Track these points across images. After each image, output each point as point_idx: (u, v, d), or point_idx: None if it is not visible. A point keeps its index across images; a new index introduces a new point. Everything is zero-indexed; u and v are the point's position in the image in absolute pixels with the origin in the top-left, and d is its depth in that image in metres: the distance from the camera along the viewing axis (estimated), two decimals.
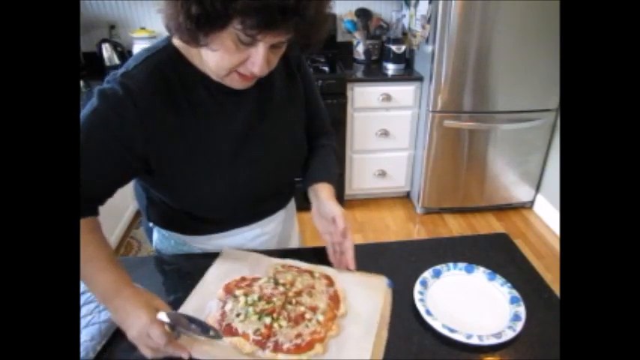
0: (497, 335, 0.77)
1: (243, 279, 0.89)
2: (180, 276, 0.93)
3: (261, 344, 0.75)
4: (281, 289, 0.86)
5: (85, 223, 0.79)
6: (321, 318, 0.78)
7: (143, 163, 0.82)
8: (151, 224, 1.07)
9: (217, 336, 0.74)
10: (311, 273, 0.90)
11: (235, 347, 0.75)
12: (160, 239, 1.07)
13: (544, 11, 2.23)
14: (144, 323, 0.70)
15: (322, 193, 0.95)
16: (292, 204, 1.17)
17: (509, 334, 0.78)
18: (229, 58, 0.71)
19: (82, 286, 0.87)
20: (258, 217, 1.03)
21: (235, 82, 0.78)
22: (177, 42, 0.81)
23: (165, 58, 0.80)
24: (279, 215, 1.08)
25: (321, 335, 0.76)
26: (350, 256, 0.90)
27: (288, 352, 0.73)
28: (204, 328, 0.74)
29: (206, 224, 0.99)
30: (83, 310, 0.82)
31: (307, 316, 0.80)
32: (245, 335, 0.76)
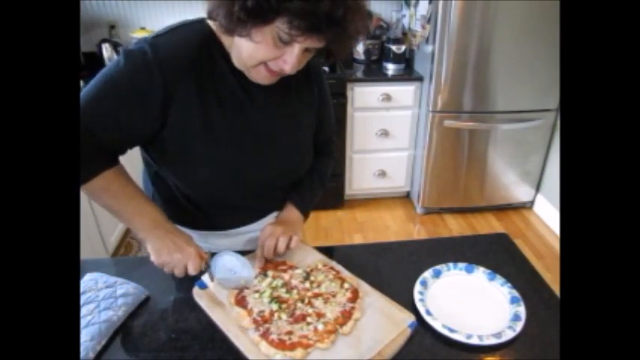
0: (497, 335, 0.77)
1: (283, 262, 0.95)
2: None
3: (257, 325, 0.78)
4: (307, 284, 0.88)
5: (115, 170, 0.86)
6: (320, 327, 0.78)
7: (159, 127, 0.82)
8: None
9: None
10: (343, 282, 0.89)
11: (237, 318, 0.81)
12: None
13: (544, 11, 2.23)
14: (187, 254, 0.83)
15: (282, 213, 1.04)
16: None
17: (509, 334, 0.78)
18: (265, 52, 0.74)
19: (82, 286, 0.87)
20: (257, 215, 1.03)
21: (261, 76, 0.80)
22: (211, 23, 0.82)
23: (200, 32, 0.81)
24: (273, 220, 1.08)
25: (309, 342, 0.75)
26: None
27: (271, 343, 0.75)
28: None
29: (207, 219, 0.99)
30: (83, 310, 0.82)
31: (308, 319, 0.80)
32: (250, 311, 0.81)
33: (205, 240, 1.03)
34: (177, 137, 0.83)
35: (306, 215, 1.06)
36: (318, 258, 0.97)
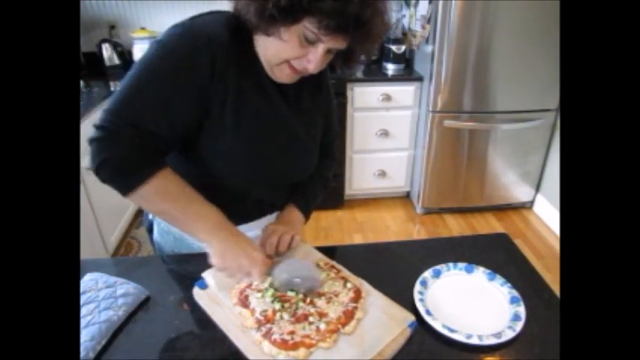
0: (497, 335, 0.77)
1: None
2: (180, 276, 0.94)
3: (260, 325, 0.78)
4: None
5: (166, 172, 0.80)
6: (322, 326, 0.78)
7: (204, 108, 0.79)
8: (151, 216, 1.08)
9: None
10: (345, 281, 0.89)
11: (240, 318, 0.80)
12: (160, 233, 1.07)
13: (544, 11, 2.23)
14: (253, 260, 0.81)
15: (281, 214, 1.03)
16: None
17: (509, 334, 0.78)
18: (290, 51, 0.76)
19: (82, 286, 0.87)
20: (260, 212, 1.04)
21: (284, 74, 0.81)
22: None
23: (235, 20, 0.79)
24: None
25: (312, 342, 0.75)
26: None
27: (274, 343, 0.74)
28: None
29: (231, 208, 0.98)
30: (83, 310, 0.82)
31: (311, 319, 0.80)
32: (252, 311, 0.81)
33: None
34: (213, 120, 0.81)
35: (307, 217, 1.06)
36: (319, 257, 0.98)
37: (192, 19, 0.79)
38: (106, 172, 0.76)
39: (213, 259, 0.82)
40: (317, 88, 0.99)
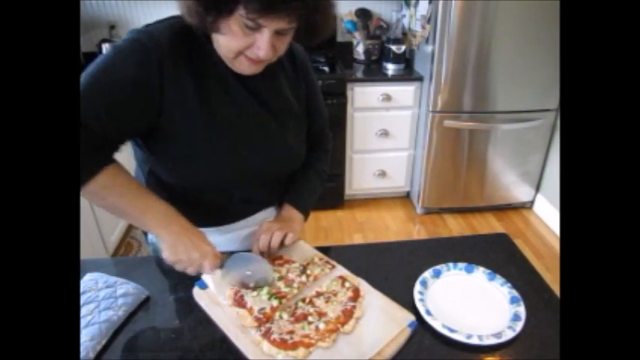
0: (497, 335, 0.77)
1: (280, 257, 0.96)
2: (180, 276, 0.93)
3: (260, 324, 0.78)
4: (303, 278, 0.89)
5: (116, 166, 0.82)
6: (321, 326, 0.78)
7: (155, 113, 0.81)
8: None
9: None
10: (343, 281, 0.89)
11: (239, 318, 0.80)
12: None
13: (544, 11, 2.23)
14: (204, 253, 0.81)
15: (279, 213, 1.03)
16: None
17: (509, 334, 0.78)
18: (237, 42, 0.75)
19: (82, 286, 0.87)
20: (253, 208, 1.04)
21: (244, 66, 0.81)
22: None
23: (185, 27, 0.79)
24: (271, 215, 1.07)
25: (311, 342, 0.75)
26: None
27: (273, 342, 0.75)
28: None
29: (203, 214, 0.97)
30: (83, 310, 0.82)
31: (310, 318, 0.80)
32: (250, 310, 0.81)
33: (213, 238, 1.02)
34: (174, 123, 0.82)
35: (305, 215, 1.06)
36: (314, 253, 0.98)
37: (147, 26, 0.81)
38: None
39: (164, 253, 0.81)
40: (294, 78, 0.97)
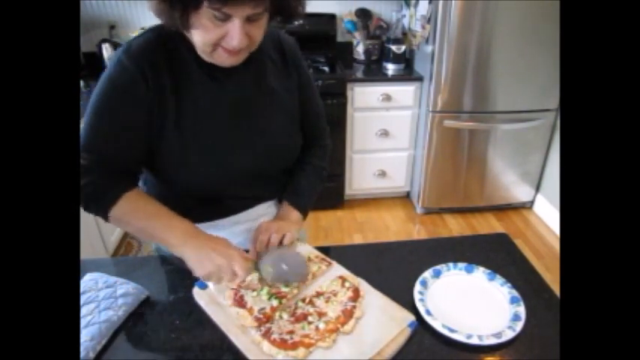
0: (497, 335, 0.77)
1: None
2: (180, 276, 0.93)
3: (260, 324, 0.78)
4: None
5: (136, 192, 0.86)
6: (321, 326, 0.78)
7: (148, 127, 0.85)
8: None
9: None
10: (343, 281, 0.89)
11: (239, 318, 0.80)
12: None
13: (544, 11, 2.23)
14: (230, 257, 0.79)
15: (278, 212, 1.03)
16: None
17: (509, 334, 0.78)
18: (209, 35, 0.76)
19: (82, 286, 0.87)
20: (247, 203, 1.03)
21: (223, 58, 0.81)
22: None
23: (164, 34, 0.83)
24: (269, 211, 1.08)
25: (311, 342, 0.75)
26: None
27: (273, 342, 0.75)
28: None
29: (198, 210, 0.97)
30: (83, 310, 0.82)
31: (310, 318, 0.80)
32: (250, 310, 0.81)
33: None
34: (159, 129, 0.85)
35: (304, 214, 1.05)
36: (309, 250, 0.98)
37: (128, 43, 0.84)
38: (83, 202, 0.84)
39: (194, 271, 0.80)
40: (283, 70, 0.96)
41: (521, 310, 0.83)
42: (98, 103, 0.82)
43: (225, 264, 0.79)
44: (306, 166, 1.07)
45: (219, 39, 0.76)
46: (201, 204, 0.98)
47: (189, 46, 0.83)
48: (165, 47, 0.83)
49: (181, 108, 0.85)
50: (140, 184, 1.01)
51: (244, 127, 0.91)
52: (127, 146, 0.85)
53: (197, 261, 0.80)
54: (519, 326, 0.79)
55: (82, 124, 0.83)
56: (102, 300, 0.84)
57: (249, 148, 0.93)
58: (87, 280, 0.89)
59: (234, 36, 0.75)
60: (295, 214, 1.02)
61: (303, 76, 1.01)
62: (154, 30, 0.84)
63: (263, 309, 0.81)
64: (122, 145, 0.84)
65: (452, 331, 0.78)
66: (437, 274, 0.93)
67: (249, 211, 1.04)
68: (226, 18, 0.73)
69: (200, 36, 0.77)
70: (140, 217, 0.84)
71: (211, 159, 0.90)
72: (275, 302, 0.82)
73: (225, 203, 1.01)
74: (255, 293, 0.85)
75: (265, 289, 0.85)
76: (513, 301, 0.85)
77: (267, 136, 0.95)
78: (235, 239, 1.03)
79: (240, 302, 0.83)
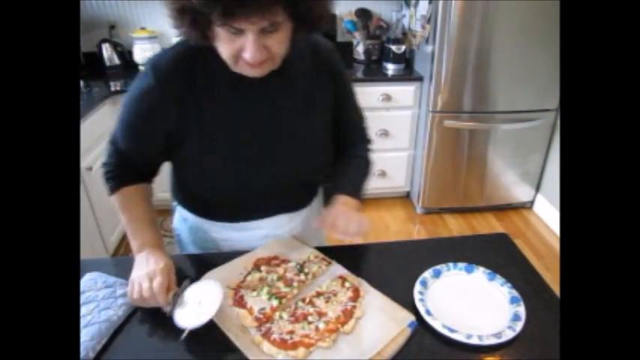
0: (497, 335, 0.77)
1: (275, 257, 0.95)
2: (180, 276, 0.93)
3: (260, 323, 0.78)
4: (302, 277, 0.89)
5: (135, 189, 0.94)
6: (321, 326, 0.78)
7: (167, 134, 0.89)
8: (175, 203, 1.11)
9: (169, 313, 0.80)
10: (344, 281, 0.89)
11: (239, 318, 0.80)
12: (179, 220, 1.12)
13: (544, 11, 2.23)
14: (158, 267, 0.82)
15: (337, 200, 0.97)
16: (314, 209, 1.14)
17: (509, 334, 0.78)
18: (228, 48, 0.76)
19: (82, 286, 0.87)
20: (264, 214, 1.03)
21: (246, 70, 0.80)
22: None
23: (195, 47, 0.83)
24: (292, 223, 1.07)
25: (311, 342, 0.75)
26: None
27: (273, 342, 0.75)
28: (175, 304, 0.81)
29: (217, 210, 1.01)
30: (82, 310, 0.82)
31: (310, 318, 0.80)
32: (250, 310, 0.81)
33: (219, 230, 1.04)
34: (180, 139, 0.88)
35: (358, 199, 0.99)
36: (310, 251, 0.98)
37: (157, 54, 0.88)
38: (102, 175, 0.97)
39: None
40: (316, 83, 0.93)
41: (521, 310, 0.83)
42: (126, 105, 0.89)
43: (147, 288, 0.80)
44: (354, 158, 1.05)
45: (238, 52, 0.76)
46: (222, 206, 1.00)
47: (219, 58, 0.82)
48: (193, 60, 0.85)
49: (204, 120, 0.86)
50: (172, 176, 1.05)
51: (269, 140, 0.91)
52: (142, 149, 0.93)
53: (136, 266, 0.85)
54: (519, 326, 0.79)
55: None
56: (101, 300, 0.84)
57: (273, 162, 0.92)
58: (86, 280, 0.89)
59: (249, 49, 0.74)
60: (353, 202, 0.97)
61: (340, 84, 0.98)
62: (184, 43, 0.85)
63: (263, 309, 0.81)
64: (138, 147, 0.92)
65: (452, 331, 0.78)
66: (437, 274, 0.93)
67: (271, 218, 1.03)
68: (239, 32, 0.73)
69: (222, 49, 0.77)
70: (124, 214, 0.93)
71: (232, 171, 0.91)
72: (275, 302, 0.82)
73: (247, 208, 1.01)
74: (255, 293, 0.85)
75: (265, 289, 0.85)
76: (513, 301, 0.85)
77: (293, 150, 0.93)
78: (254, 243, 1.03)
79: (240, 302, 0.83)
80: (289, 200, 1.04)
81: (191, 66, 0.85)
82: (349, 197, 0.97)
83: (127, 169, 0.95)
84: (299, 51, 0.88)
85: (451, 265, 0.94)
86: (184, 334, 0.75)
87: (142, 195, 0.95)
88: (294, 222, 1.06)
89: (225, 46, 0.76)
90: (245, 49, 0.74)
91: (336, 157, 1.05)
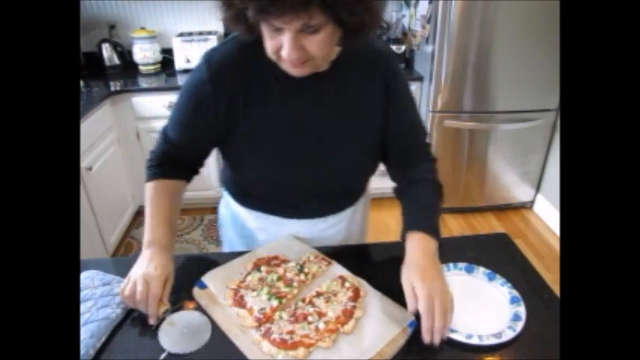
0: (497, 335, 0.77)
1: (275, 257, 0.95)
2: (180, 276, 0.93)
3: (260, 323, 0.79)
4: (302, 277, 0.89)
5: (165, 183, 0.94)
6: (321, 326, 0.78)
7: (217, 128, 0.90)
8: (222, 188, 1.15)
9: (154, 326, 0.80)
10: (343, 281, 0.89)
11: (239, 318, 0.80)
12: (224, 205, 1.16)
13: (544, 11, 2.23)
14: (156, 274, 0.81)
15: (410, 248, 0.85)
16: (359, 216, 1.13)
17: (509, 334, 0.78)
18: (269, 45, 0.77)
19: (81, 284, 0.87)
20: (300, 214, 1.03)
21: (288, 68, 0.80)
22: None
23: (249, 43, 0.84)
24: (332, 230, 1.07)
25: (311, 342, 0.75)
26: (432, 338, 0.76)
27: (273, 342, 0.75)
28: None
29: (254, 200, 1.04)
30: (81, 308, 0.82)
31: (310, 318, 0.80)
32: (250, 310, 0.81)
33: (258, 221, 1.06)
34: (226, 134, 0.90)
35: (437, 235, 0.88)
36: (310, 251, 0.98)
37: (211, 49, 0.89)
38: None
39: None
40: (367, 83, 0.90)
41: (522, 310, 0.83)
42: (179, 98, 0.92)
43: (138, 276, 0.80)
44: (420, 183, 0.96)
45: (278, 49, 0.76)
46: (259, 198, 1.03)
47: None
48: (246, 55, 0.86)
49: (250, 114, 0.87)
50: (222, 162, 1.06)
51: (313, 139, 0.90)
52: (190, 140, 0.94)
53: (128, 276, 0.83)
54: (519, 326, 0.79)
55: None
56: (99, 297, 0.84)
57: (314, 161, 0.92)
58: (83, 278, 0.89)
59: (285, 48, 0.74)
60: (431, 243, 0.86)
61: (394, 92, 0.92)
62: (239, 37, 0.85)
63: (263, 309, 0.81)
64: (186, 137, 0.93)
65: (452, 331, 0.78)
66: None
67: (306, 220, 1.04)
68: (277, 29, 0.73)
69: (266, 44, 0.78)
70: (147, 206, 0.92)
71: (272, 167, 0.91)
72: (275, 302, 0.82)
73: (283, 205, 1.02)
74: (255, 293, 0.85)
75: (265, 289, 0.85)
76: (513, 301, 0.85)
77: (335, 151, 0.92)
78: (283, 238, 1.05)
79: (240, 302, 0.83)
80: (328, 203, 1.03)
81: (243, 61, 0.86)
82: (420, 234, 0.86)
83: (172, 159, 0.95)
84: (354, 54, 0.87)
85: (451, 265, 0.95)
86: (163, 355, 0.75)
87: (170, 191, 0.95)
88: (333, 232, 1.07)
89: (267, 42, 0.77)
90: (283, 47, 0.74)
91: (395, 178, 1.02)
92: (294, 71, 0.80)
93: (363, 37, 0.81)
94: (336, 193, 1.02)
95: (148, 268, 0.83)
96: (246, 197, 1.05)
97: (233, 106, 0.87)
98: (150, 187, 0.94)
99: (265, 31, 0.75)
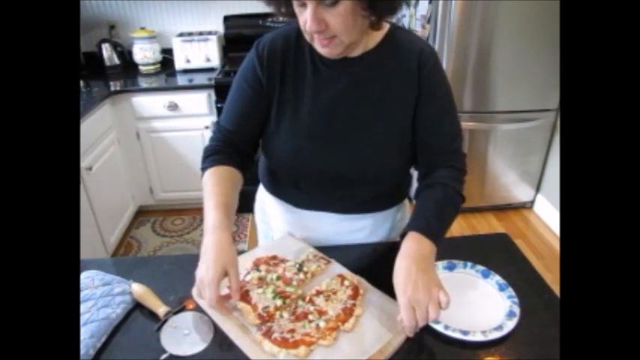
0: (498, 335, 0.77)
1: (274, 257, 0.95)
2: (180, 276, 0.94)
3: (262, 321, 0.79)
4: (301, 276, 0.89)
5: (222, 170, 0.93)
6: (322, 324, 0.78)
7: (262, 108, 0.94)
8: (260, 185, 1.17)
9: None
10: (343, 279, 0.89)
11: (242, 312, 0.81)
12: (259, 193, 1.20)
13: (544, 11, 2.23)
14: (208, 277, 0.76)
15: (401, 248, 0.81)
16: (387, 226, 1.13)
17: (509, 333, 0.78)
18: (300, 22, 0.81)
19: (81, 284, 0.87)
20: (316, 206, 1.04)
21: (318, 47, 0.84)
22: None
23: (294, 27, 0.90)
24: (360, 234, 1.08)
25: (312, 340, 0.75)
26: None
27: (274, 341, 0.75)
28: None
29: (282, 189, 1.06)
30: (81, 308, 0.82)
31: (310, 317, 0.80)
32: (254, 307, 0.81)
33: (290, 217, 1.08)
34: (268, 114, 0.94)
35: (435, 239, 0.82)
36: (310, 250, 0.98)
37: (264, 35, 0.95)
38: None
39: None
40: (401, 78, 0.88)
41: (519, 309, 0.83)
42: (233, 84, 0.97)
43: (198, 280, 0.77)
44: (435, 187, 0.91)
45: (304, 25, 0.79)
46: (285, 185, 1.04)
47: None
48: (290, 39, 0.91)
49: (284, 96, 0.92)
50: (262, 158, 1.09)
51: (342, 125, 0.90)
52: (241, 124, 0.96)
53: (201, 256, 0.80)
54: (514, 322, 0.79)
55: None
56: (99, 298, 0.84)
57: (342, 148, 0.91)
58: (83, 278, 0.89)
59: (307, 19, 0.77)
60: (424, 244, 0.80)
61: (429, 89, 0.89)
62: (286, 27, 0.93)
63: (267, 307, 0.81)
64: (238, 120, 0.96)
65: (452, 330, 0.78)
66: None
67: (321, 212, 1.04)
68: (304, 5, 0.76)
69: (299, 23, 0.81)
70: (205, 191, 0.90)
71: (299, 149, 0.92)
72: (279, 302, 0.82)
73: (297, 194, 1.03)
74: (260, 290, 0.85)
75: (271, 287, 0.85)
76: (512, 300, 0.85)
77: (362, 140, 0.90)
78: (298, 229, 1.07)
79: (244, 297, 0.83)
80: (341, 200, 1.02)
81: (286, 44, 0.91)
82: (421, 236, 0.81)
83: (227, 148, 0.95)
84: (395, 47, 0.89)
85: (451, 264, 0.94)
86: (164, 356, 0.75)
87: (225, 176, 0.92)
88: (362, 235, 1.07)
89: (299, 19, 0.80)
90: (305, 19, 0.78)
91: (418, 179, 1.00)
92: (324, 51, 0.83)
93: (407, 34, 0.91)
94: (361, 185, 0.98)
95: (200, 269, 0.78)
96: (274, 185, 1.08)
97: (271, 87, 0.92)
98: (205, 176, 0.92)
99: (295, 7, 0.79)
